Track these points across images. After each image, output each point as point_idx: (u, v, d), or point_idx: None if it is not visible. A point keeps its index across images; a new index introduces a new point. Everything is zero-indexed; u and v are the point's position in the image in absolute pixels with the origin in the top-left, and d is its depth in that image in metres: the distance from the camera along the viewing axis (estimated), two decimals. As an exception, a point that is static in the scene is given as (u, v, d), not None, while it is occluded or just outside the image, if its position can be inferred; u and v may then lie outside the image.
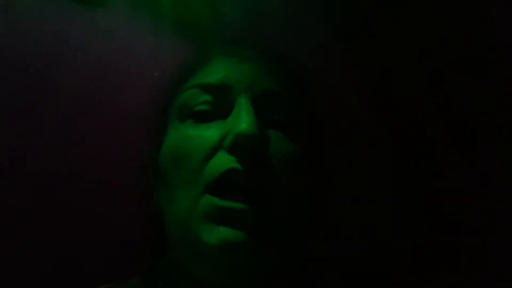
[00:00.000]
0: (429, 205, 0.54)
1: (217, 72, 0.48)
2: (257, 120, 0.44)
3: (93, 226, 0.57)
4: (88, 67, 0.54)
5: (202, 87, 0.48)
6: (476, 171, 0.53)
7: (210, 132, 0.45)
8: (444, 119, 0.54)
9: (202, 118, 0.47)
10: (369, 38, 0.53)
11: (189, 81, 0.50)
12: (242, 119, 0.43)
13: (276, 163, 0.44)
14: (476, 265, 0.52)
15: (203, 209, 0.42)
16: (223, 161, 0.43)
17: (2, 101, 0.56)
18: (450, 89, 0.53)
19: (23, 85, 0.56)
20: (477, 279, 0.51)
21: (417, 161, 0.55)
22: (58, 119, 0.56)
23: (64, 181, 0.56)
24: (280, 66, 0.50)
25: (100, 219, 0.57)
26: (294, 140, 0.47)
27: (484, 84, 0.52)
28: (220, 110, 0.47)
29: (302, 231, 0.48)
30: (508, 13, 0.51)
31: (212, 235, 0.41)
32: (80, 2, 0.54)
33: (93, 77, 0.54)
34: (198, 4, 0.53)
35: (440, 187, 0.54)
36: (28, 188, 0.58)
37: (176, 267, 0.48)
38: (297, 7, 0.53)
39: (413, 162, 0.55)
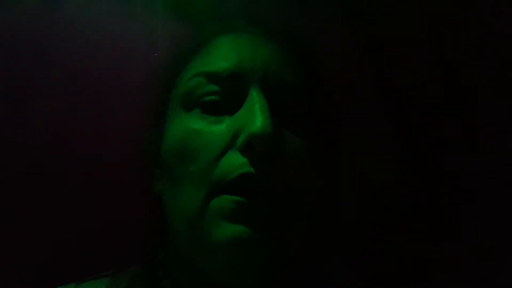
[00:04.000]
0: (435, 203, 0.54)
1: (226, 58, 0.45)
2: (271, 118, 0.41)
3: (93, 214, 0.57)
4: (83, 46, 0.53)
5: (210, 76, 0.44)
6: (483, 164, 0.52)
7: (221, 128, 0.43)
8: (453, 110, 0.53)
9: (210, 109, 0.44)
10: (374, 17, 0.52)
11: (191, 64, 0.47)
12: (256, 117, 0.40)
13: (290, 163, 0.42)
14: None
15: (217, 206, 0.40)
16: (236, 163, 0.41)
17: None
18: (457, 70, 0.52)
19: (16, 65, 0.55)
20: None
21: (424, 161, 0.54)
22: (54, 98, 0.54)
23: (61, 165, 0.56)
24: (292, 52, 0.47)
25: (100, 206, 0.56)
26: (307, 136, 0.44)
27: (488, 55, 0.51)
28: (229, 100, 0.44)
29: (312, 230, 0.46)
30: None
31: (226, 232, 0.40)
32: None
33: (89, 57, 0.53)
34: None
35: (447, 187, 0.54)
36: (22, 172, 0.58)
37: (176, 257, 0.48)
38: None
39: (419, 162, 0.54)
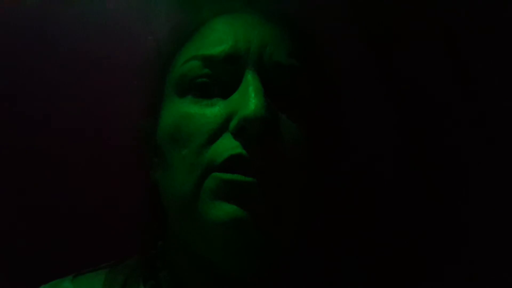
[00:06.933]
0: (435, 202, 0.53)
1: (221, 41, 0.43)
2: (266, 101, 0.40)
3: (90, 204, 0.56)
4: (76, 31, 0.52)
5: (205, 59, 0.43)
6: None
7: (214, 111, 0.42)
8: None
9: (203, 92, 0.43)
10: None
11: (187, 47, 0.46)
12: (250, 100, 0.40)
13: (284, 148, 0.41)
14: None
15: (211, 186, 0.40)
16: (228, 146, 0.40)
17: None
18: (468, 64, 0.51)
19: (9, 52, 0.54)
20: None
21: (425, 151, 0.54)
22: (49, 83, 0.54)
23: (57, 154, 0.55)
24: (290, 34, 0.46)
25: (97, 196, 0.55)
26: (304, 120, 0.43)
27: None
28: (223, 83, 0.43)
29: (305, 217, 0.45)
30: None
31: (221, 212, 0.39)
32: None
33: (82, 43, 0.53)
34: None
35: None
36: (18, 164, 0.57)
37: (175, 247, 0.47)
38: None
39: (420, 152, 0.54)
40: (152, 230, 0.50)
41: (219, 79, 0.43)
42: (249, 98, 0.40)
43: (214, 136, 0.41)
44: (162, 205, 0.47)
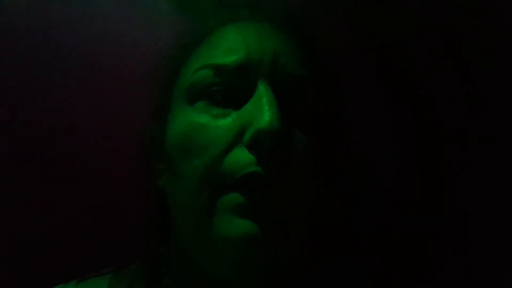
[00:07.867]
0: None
1: (234, 50, 0.43)
2: (279, 113, 0.40)
3: (95, 209, 0.56)
4: (85, 38, 0.52)
5: (217, 69, 0.43)
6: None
7: (227, 123, 0.42)
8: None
9: (215, 102, 0.43)
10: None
11: (196, 55, 0.46)
12: (264, 112, 0.39)
13: (296, 160, 0.41)
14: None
15: (226, 203, 0.40)
16: (242, 161, 0.40)
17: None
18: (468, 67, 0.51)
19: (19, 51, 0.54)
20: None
21: (429, 163, 0.54)
22: (57, 87, 0.54)
23: (61, 158, 0.55)
24: (299, 43, 0.45)
25: (102, 201, 0.56)
26: (314, 131, 0.43)
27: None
28: (236, 92, 0.43)
29: (314, 228, 0.45)
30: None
31: (233, 228, 0.39)
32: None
33: (91, 50, 0.53)
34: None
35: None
36: (25, 167, 0.57)
37: (179, 254, 0.47)
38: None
39: (424, 165, 0.53)
40: (156, 236, 0.50)
41: (231, 88, 0.43)
42: (263, 111, 0.40)
43: (228, 148, 0.41)
44: (166, 211, 0.47)
